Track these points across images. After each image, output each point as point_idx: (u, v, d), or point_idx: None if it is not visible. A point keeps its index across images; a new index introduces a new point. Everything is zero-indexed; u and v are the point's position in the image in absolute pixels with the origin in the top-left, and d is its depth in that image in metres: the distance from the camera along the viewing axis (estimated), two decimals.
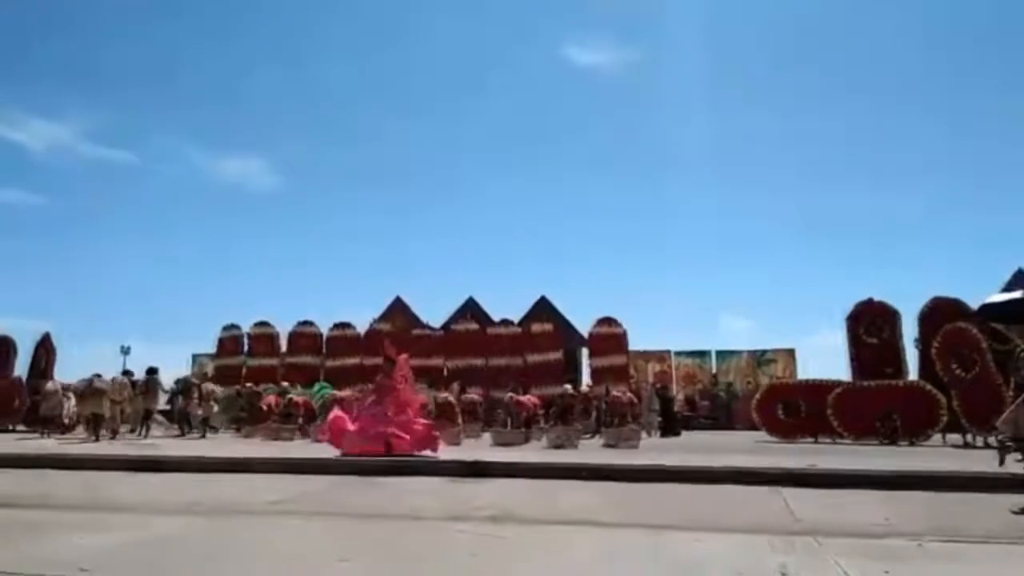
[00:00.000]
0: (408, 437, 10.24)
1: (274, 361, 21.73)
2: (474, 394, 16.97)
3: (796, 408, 15.02)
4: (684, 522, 5.58)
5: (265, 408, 16.66)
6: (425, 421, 11.17)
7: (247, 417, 17.39)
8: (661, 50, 58.87)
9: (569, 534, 5.20)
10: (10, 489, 7.38)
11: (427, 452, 10.25)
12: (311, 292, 53.94)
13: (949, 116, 54.41)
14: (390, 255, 56.78)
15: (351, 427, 10.55)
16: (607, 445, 12.82)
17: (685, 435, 16.87)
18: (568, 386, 15.93)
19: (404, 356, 11.57)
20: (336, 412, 11.48)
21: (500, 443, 13.41)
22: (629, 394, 15.82)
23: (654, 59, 59.18)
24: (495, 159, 62.69)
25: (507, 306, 22.61)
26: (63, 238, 60.17)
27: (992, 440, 12.23)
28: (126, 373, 16.68)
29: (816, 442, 13.57)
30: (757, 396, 16.92)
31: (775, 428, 14.93)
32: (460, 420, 15.07)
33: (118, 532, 5.13)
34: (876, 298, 15.65)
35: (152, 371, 16.23)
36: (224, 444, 13.47)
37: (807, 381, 15.89)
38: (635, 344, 20.19)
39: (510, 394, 16.48)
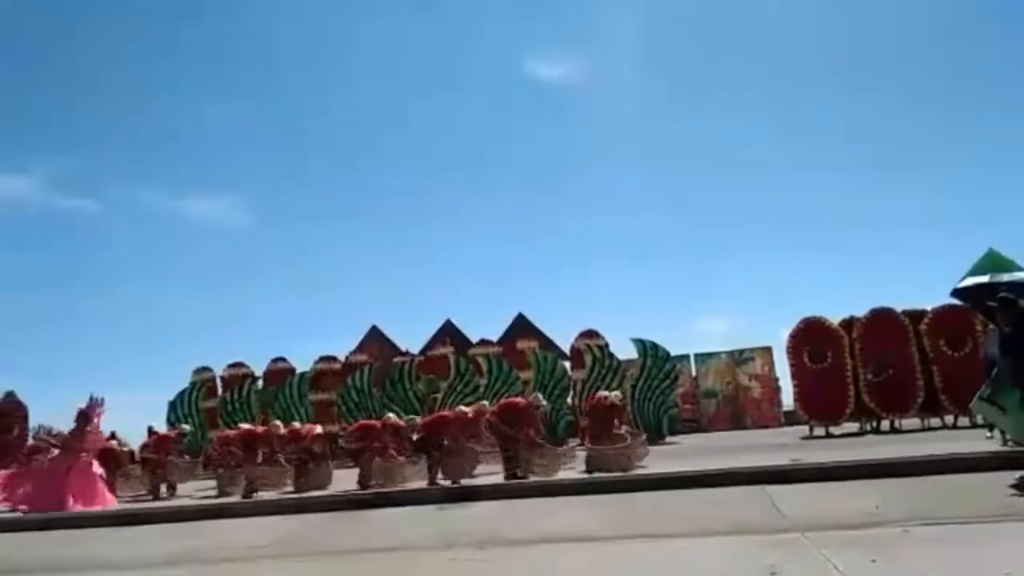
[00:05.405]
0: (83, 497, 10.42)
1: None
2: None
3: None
4: (673, 529, 5.62)
5: None
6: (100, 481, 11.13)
7: None
8: (620, 62, 59.62)
9: (561, 551, 5.20)
10: None
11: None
12: (288, 329, 53.13)
13: (908, 105, 55.72)
14: (366, 284, 56.37)
15: (27, 485, 10.88)
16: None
17: (668, 440, 16.75)
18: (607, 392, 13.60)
19: (97, 409, 11.47)
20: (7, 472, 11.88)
21: None
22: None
23: (616, 71, 59.88)
24: (463, 179, 62.72)
25: (485, 326, 22.56)
26: (26, 289, 58.70)
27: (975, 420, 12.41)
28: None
29: (810, 436, 13.68)
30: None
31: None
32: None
33: None
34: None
35: None
36: None
37: None
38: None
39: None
